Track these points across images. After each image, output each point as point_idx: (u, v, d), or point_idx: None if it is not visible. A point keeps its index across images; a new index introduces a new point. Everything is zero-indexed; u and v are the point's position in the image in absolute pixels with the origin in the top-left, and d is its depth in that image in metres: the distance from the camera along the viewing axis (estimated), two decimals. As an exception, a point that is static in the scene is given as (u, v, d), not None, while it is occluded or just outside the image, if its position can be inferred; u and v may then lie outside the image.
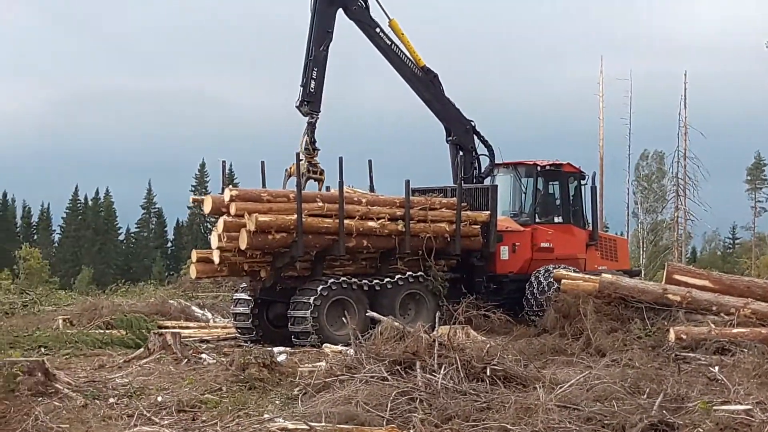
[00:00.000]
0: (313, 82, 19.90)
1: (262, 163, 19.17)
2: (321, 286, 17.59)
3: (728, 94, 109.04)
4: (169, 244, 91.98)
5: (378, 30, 21.00)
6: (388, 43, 21.09)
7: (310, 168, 19.79)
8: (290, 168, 19.32)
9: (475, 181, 21.95)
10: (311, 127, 19.97)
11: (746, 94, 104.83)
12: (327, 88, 20.08)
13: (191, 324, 21.19)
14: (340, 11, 20.42)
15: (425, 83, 21.60)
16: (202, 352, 15.70)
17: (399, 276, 18.65)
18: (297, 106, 20.01)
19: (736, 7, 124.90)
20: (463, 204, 19.86)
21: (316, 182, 20.02)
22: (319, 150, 20.04)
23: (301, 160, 19.27)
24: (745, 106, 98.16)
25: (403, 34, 21.29)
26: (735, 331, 15.68)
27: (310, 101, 19.91)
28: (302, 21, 20.48)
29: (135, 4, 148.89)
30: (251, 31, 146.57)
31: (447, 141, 22.34)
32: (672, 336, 15.56)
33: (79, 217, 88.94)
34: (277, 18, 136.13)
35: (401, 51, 21.25)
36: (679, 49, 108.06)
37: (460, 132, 22.10)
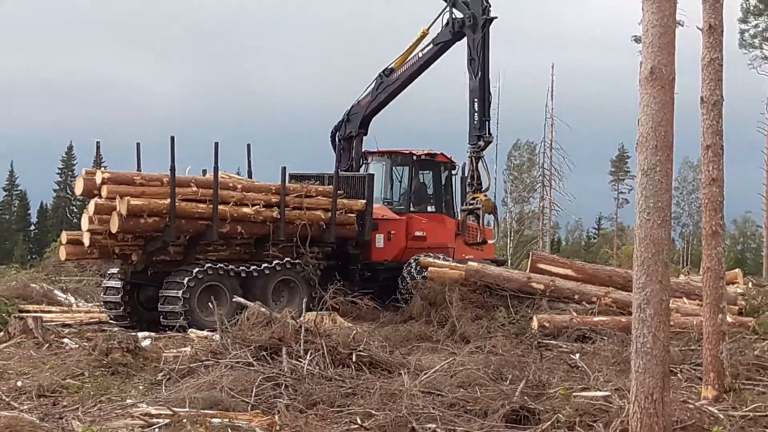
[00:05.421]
0: None
1: (138, 144, 18.85)
2: (197, 269, 17.50)
3: (598, 88, 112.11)
4: (32, 228, 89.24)
5: None
6: None
7: None
8: None
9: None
10: None
11: (614, 87, 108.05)
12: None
13: (54, 308, 20.71)
14: None
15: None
16: (64, 337, 15.34)
17: (273, 262, 18.59)
18: None
19: (607, 1, 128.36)
20: (339, 192, 19.92)
21: None
22: None
23: None
24: (613, 100, 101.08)
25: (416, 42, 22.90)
26: (596, 319, 16.13)
27: None
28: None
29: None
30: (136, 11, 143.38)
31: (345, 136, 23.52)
32: (535, 324, 15.92)
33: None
34: None
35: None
36: (551, 41, 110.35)
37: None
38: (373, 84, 23.44)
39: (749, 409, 9.26)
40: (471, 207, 21.85)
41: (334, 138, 23.93)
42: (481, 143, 21.62)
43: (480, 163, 21.80)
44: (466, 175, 22.60)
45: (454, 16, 22.10)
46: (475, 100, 21.42)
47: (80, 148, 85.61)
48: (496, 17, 21.69)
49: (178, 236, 17.70)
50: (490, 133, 21.71)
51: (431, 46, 22.63)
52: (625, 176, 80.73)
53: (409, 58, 22.98)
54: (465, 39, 21.96)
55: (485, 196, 21.95)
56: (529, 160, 71.79)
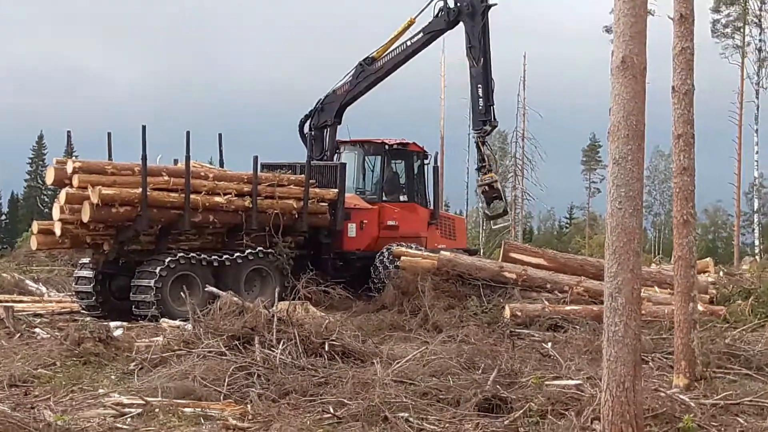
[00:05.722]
0: None
1: (109, 134, 18.72)
2: (169, 258, 17.45)
3: (571, 78, 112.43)
4: (3, 218, 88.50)
5: None
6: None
7: None
8: None
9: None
10: None
11: (586, 78, 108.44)
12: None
13: (25, 298, 20.57)
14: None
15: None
16: (35, 327, 15.24)
17: (245, 252, 18.56)
18: None
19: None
20: (311, 181, 19.89)
21: None
22: None
23: None
24: (584, 90, 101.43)
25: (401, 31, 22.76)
26: (568, 308, 16.21)
27: None
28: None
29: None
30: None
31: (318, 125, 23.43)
32: (507, 313, 15.97)
33: None
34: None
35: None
36: (524, 32, 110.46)
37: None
38: (352, 72, 23.29)
39: (720, 397, 9.34)
40: (489, 182, 21.98)
41: (302, 128, 23.81)
42: (487, 128, 21.76)
43: (485, 147, 21.97)
44: (437, 164, 22.70)
45: (448, 6, 22.02)
46: (479, 86, 21.40)
47: (51, 138, 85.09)
48: (495, 4, 21.70)
49: (150, 225, 17.62)
50: (495, 118, 21.72)
51: (421, 35, 22.50)
52: (596, 166, 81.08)
53: (393, 47, 22.83)
54: (460, 27, 21.89)
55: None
56: (501, 150, 71.89)
